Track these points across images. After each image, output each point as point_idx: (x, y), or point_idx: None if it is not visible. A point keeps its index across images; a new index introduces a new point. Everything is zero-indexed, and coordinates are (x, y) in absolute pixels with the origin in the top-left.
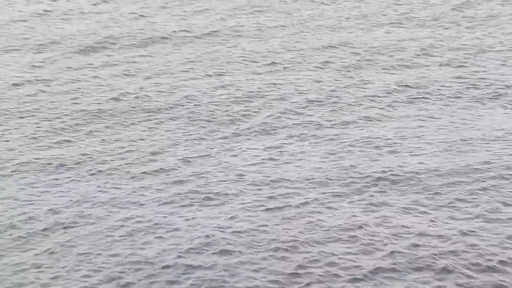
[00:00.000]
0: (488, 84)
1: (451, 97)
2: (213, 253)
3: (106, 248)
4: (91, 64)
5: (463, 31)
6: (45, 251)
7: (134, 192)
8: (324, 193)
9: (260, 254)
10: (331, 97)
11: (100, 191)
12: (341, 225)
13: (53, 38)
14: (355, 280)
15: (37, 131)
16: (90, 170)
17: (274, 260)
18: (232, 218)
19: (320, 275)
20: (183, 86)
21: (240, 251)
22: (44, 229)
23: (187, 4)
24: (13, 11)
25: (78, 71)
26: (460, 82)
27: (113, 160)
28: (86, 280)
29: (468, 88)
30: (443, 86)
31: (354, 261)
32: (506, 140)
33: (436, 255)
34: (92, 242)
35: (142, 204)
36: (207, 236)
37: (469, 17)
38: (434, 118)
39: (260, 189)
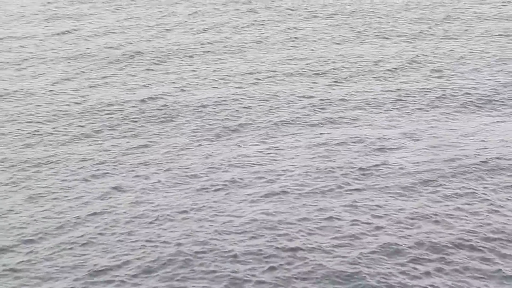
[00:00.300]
0: (462, 88)
1: (431, 99)
2: (222, 236)
3: (136, 231)
4: (117, 73)
5: (441, 43)
6: (80, 234)
7: (158, 183)
8: (318, 183)
9: (261, 238)
10: (325, 100)
11: (129, 183)
12: (333, 211)
13: (84, 51)
14: (344, 261)
15: (70, 131)
16: (121, 165)
17: (275, 243)
18: (239, 208)
19: (313, 255)
20: (197, 92)
21: (245, 234)
22: (78, 217)
23: (200, 20)
24: (48, 28)
25: (105, 79)
26: (438, 88)
27: (138, 157)
28: (117, 259)
29: (444, 92)
30: (423, 91)
31: (344, 244)
32: (478, 138)
33: (414, 235)
34: (123, 227)
35: (166, 194)
36: (222, 223)
37: (446, 30)
38: (415, 119)
39: (262, 181)
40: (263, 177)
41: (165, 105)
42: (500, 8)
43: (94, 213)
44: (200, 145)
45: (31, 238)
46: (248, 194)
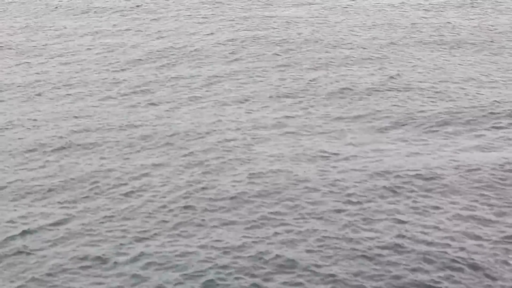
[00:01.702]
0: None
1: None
2: (227, 228)
3: (161, 232)
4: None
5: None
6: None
7: (174, 181)
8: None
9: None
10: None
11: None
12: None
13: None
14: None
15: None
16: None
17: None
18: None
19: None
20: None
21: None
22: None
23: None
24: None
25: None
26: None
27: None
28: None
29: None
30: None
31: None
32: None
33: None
34: (147, 227)
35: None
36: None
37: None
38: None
39: (256, 184)
40: (258, 178)
41: (168, 128)
42: None
43: (121, 211)
44: (207, 156)
45: None
46: (245, 190)
